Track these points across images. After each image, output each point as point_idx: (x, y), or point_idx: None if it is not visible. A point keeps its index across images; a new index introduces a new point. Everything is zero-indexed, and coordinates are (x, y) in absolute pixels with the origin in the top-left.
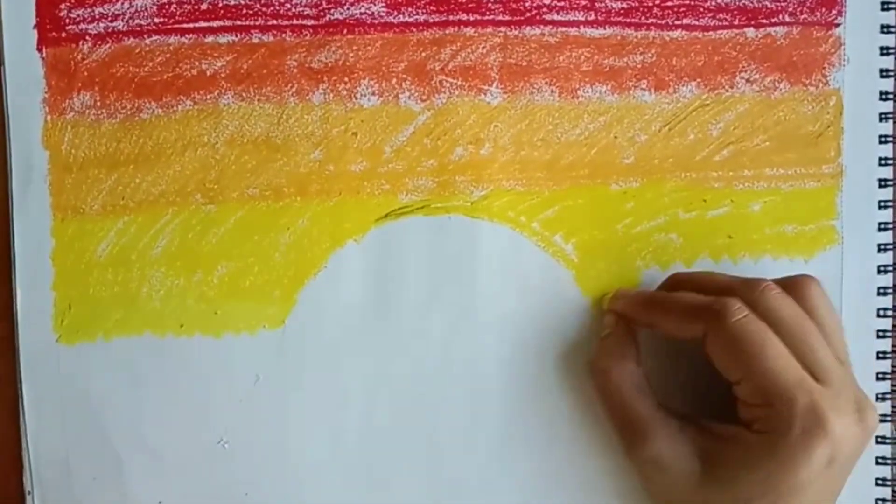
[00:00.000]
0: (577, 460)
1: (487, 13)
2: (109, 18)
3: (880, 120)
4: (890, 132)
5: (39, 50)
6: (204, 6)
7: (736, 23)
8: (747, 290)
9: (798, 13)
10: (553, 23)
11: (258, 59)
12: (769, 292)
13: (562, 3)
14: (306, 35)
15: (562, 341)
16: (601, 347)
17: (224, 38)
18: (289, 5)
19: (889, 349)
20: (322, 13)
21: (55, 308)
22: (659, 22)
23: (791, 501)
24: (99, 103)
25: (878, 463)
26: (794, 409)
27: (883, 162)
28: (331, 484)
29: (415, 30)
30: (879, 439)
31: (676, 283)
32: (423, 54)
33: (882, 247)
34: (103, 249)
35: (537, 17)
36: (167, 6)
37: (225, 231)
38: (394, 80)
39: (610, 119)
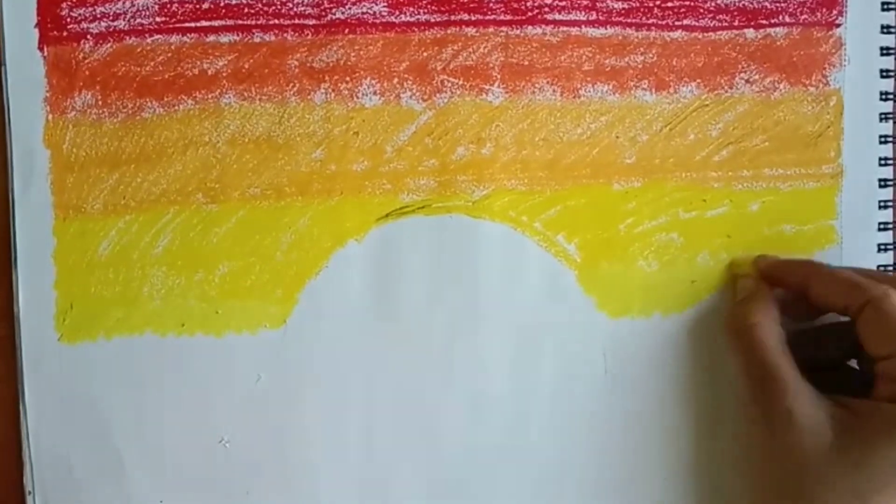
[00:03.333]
0: (578, 460)
1: (489, 13)
2: (111, 17)
3: (880, 120)
4: (890, 132)
5: (41, 49)
6: (205, 5)
7: (736, 23)
8: None
9: (798, 14)
10: (554, 22)
11: (260, 58)
12: None
13: (563, 3)
14: (308, 34)
15: (564, 341)
16: (745, 306)
17: (225, 38)
18: (290, 5)
19: None
20: (324, 13)
21: (56, 307)
22: (659, 22)
23: None
24: (100, 102)
25: None
26: None
27: (883, 162)
28: (331, 483)
29: (416, 29)
30: None
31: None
32: (425, 54)
33: (882, 247)
34: (105, 249)
35: (539, 17)
36: (169, 5)
37: (226, 230)
38: (395, 80)
39: (611, 119)
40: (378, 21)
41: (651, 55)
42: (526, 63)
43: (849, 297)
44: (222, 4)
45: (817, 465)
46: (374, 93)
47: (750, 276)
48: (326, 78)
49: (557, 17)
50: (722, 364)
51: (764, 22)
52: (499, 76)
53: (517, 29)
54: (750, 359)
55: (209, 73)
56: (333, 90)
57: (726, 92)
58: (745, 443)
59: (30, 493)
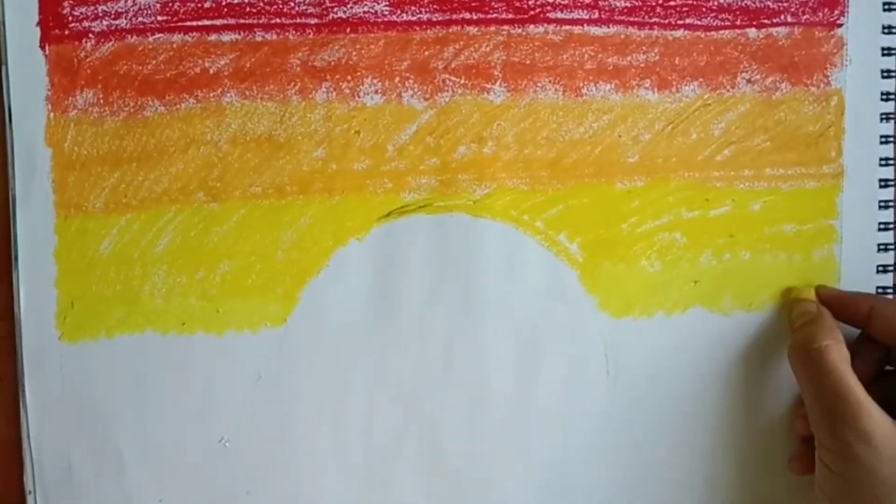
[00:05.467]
0: (578, 458)
1: (491, 12)
2: (112, 16)
3: (881, 120)
4: (891, 132)
5: (42, 48)
6: (207, 4)
7: (738, 23)
8: None
9: (800, 14)
10: (556, 21)
11: (261, 57)
12: None
13: (565, 2)
14: (309, 34)
15: (565, 341)
16: (810, 329)
17: (227, 37)
18: (292, 4)
19: None
20: (325, 12)
21: (57, 306)
22: (662, 21)
23: None
24: (102, 101)
25: None
26: None
27: (884, 162)
28: (332, 482)
29: (418, 28)
30: None
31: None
32: (426, 53)
33: (882, 247)
34: (106, 247)
35: (541, 16)
36: (170, 4)
37: (227, 229)
38: (397, 79)
39: (614, 118)
40: (379, 20)
41: (653, 54)
42: (528, 62)
43: None
44: (224, 3)
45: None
46: (376, 92)
47: (810, 301)
48: (328, 77)
49: (559, 15)
50: (722, 364)
51: (766, 21)
52: (500, 75)
53: (519, 28)
54: (821, 382)
55: (211, 71)
56: (335, 89)
57: (728, 91)
58: (818, 472)
59: (30, 492)
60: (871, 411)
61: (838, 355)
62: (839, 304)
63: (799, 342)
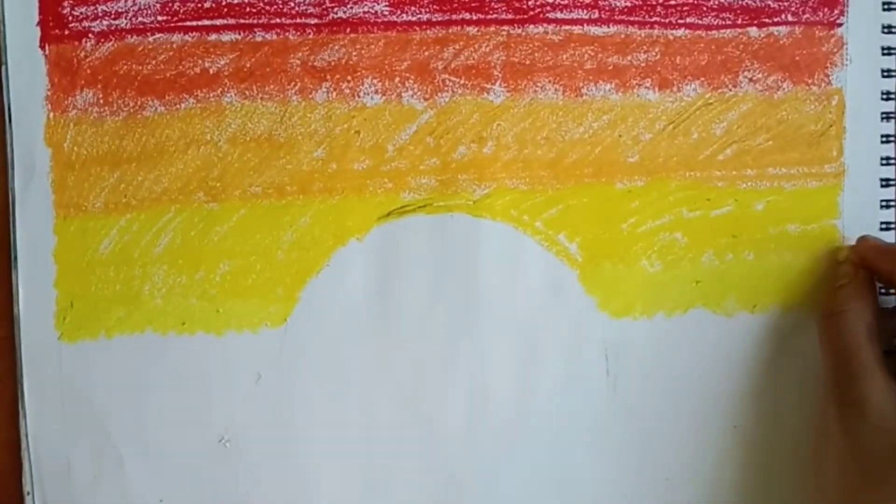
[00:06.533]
0: (579, 461)
1: (490, 12)
2: (112, 16)
3: (882, 119)
4: (892, 132)
5: (42, 47)
6: (207, 4)
7: (739, 22)
8: None
9: (800, 13)
10: (556, 21)
11: (261, 57)
12: None
13: (565, 2)
14: (309, 34)
15: (565, 341)
16: (840, 292)
17: (227, 37)
18: (292, 4)
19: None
20: (325, 12)
21: (57, 306)
22: (662, 20)
23: None
24: (102, 101)
25: None
26: None
27: (885, 161)
28: (332, 482)
29: (418, 29)
30: None
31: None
32: (426, 53)
33: None
34: (105, 247)
35: (540, 16)
36: (170, 4)
37: (227, 229)
38: (397, 79)
39: (614, 117)
40: (379, 20)
41: (654, 53)
42: (528, 62)
43: None
44: (224, 3)
45: (888, 458)
46: (376, 92)
47: (850, 262)
48: (328, 77)
49: (559, 15)
50: (723, 365)
51: (767, 21)
52: (500, 75)
53: (519, 28)
54: (834, 344)
55: (211, 71)
56: (335, 89)
57: (730, 90)
58: (820, 429)
59: (28, 493)
60: (874, 378)
61: (856, 319)
62: (872, 259)
63: (824, 307)
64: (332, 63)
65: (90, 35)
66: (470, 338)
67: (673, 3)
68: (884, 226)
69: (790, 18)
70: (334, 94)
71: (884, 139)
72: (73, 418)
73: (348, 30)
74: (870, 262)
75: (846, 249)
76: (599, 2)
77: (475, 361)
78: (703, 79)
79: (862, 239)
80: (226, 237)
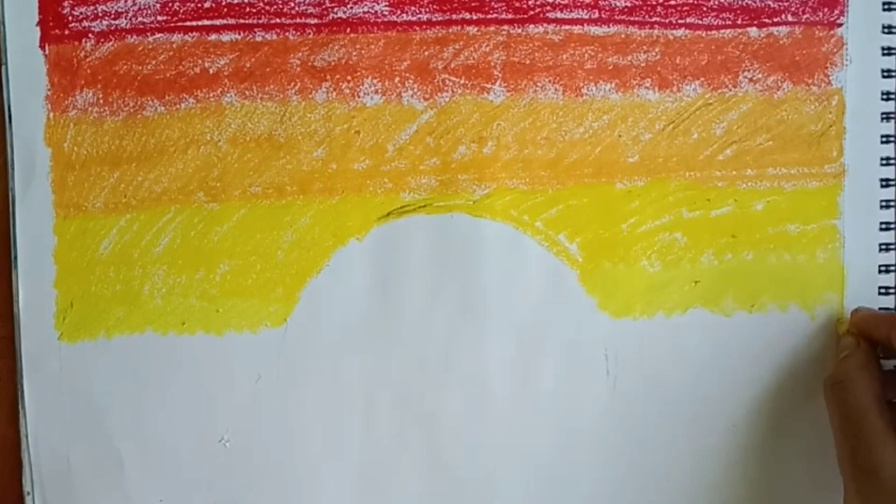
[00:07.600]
0: (578, 458)
1: (490, 12)
2: (112, 16)
3: (882, 120)
4: (892, 132)
5: (42, 47)
6: (207, 4)
7: (739, 22)
8: None
9: (800, 13)
10: (556, 21)
11: (261, 57)
12: None
13: (565, 2)
14: (309, 34)
15: (565, 342)
16: (844, 363)
17: (227, 37)
18: (292, 4)
19: None
20: (325, 12)
21: (57, 306)
22: (663, 20)
23: None
24: (101, 101)
25: None
26: None
27: (885, 162)
28: (332, 482)
29: (418, 28)
30: None
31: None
32: (426, 53)
33: (884, 246)
34: (105, 247)
35: (540, 16)
36: (170, 4)
37: (227, 229)
38: (397, 79)
39: (614, 117)
40: (379, 20)
41: (654, 53)
42: (528, 62)
43: None
44: (224, 3)
45: None
46: (376, 92)
47: (850, 334)
48: (328, 77)
49: (559, 15)
50: (723, 365)
51: (767, 21)
52: (500, 75)
53: (519, 28)
54: (842, 415)
55: (211, 71)
56: (335, 89)
57: (730, 91)
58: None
59: (28, 493)
60: (885, 446)
61: (864, 387)
62: (867, 327)
63: (829, 379)
64: (332, 63)
65: (90, 35)
66: (469, 338)
67: (673, 3)
68: (883, 226)
69: (790, 18)
70: (334, 94)
71: (884, 139)
72: (73, 418)
73: (348, 30)
74: (867, 332)
75: (846, 322)
76: (599, 2)
77: (474, 362)
78: (703, 79)
79: (856, 311)
80: (226, 237)
